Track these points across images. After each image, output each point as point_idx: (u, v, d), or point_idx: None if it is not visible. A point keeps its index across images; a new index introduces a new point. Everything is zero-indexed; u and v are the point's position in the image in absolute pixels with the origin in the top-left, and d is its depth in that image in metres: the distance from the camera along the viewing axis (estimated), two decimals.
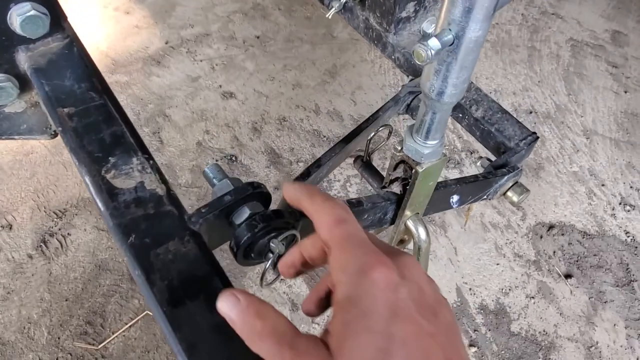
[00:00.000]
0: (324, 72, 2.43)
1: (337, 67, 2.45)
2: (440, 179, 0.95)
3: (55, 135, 0.93)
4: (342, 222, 0.50)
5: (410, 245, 1.04)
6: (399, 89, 2.42)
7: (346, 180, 2.05)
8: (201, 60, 2.46)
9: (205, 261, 0.67)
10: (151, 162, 0.76)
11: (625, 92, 2.41)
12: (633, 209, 2.02)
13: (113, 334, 1.67)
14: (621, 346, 1.72)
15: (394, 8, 1.20)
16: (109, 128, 0.78)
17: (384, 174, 1.08)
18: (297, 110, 2.27)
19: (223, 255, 1.71)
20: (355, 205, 0.87)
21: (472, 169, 2.11)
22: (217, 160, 2.09)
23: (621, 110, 2.34)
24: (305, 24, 2.64)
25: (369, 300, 0.44)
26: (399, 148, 0.87)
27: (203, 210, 0.71)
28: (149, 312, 1.70)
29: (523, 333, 1.73)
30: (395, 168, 0.91)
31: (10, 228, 1.88)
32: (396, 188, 0.92)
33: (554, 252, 1.91)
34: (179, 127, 2.19)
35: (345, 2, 1.27)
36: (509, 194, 1.16)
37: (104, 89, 0.83)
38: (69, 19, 0.88)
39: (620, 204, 2.04)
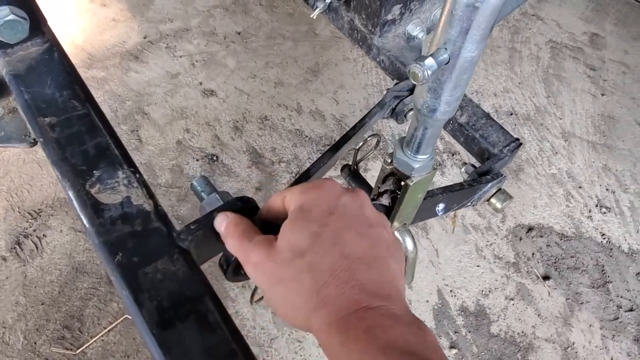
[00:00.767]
0: (306, 70, 2.41)
1: (319, 66, 2.43)
2: None
3: (34, 143, 0.90)
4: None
5: None
6: (381, 88, 2.40)
7: None
8: (181, 56, 2.41)
9: (196, 280, 0.66)
10: (137, 175, 0.74)
11: (603, 94, 2.46)
12: (609, 211, 2.07)
13: (91, 338, 1.63)
14: (596, 346, 1.76)
15: (380, 10, 1.19)
16: (93, 139, 0.76)
17: (370, 181, 1.08)
18: (279, 109, 2.25)
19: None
20: None
21: (453, 170, 2.13)
22: (197, 160, 2.06)
23: (598, 113, 2.38)
24: (288, 21, 2.61)
25: (312, 202, 0.55)
26: (389, 161, 0.86)
27: (192, 227, 0.70)
28: (128, 316, 1.67)
29: (502, 334, 1.76)
30: (384, 180, 0.91)
31: None
32: (385, 200, 0.92)
33: (533, 254, 1.94)
34: (159, 125, 2.15)
35: (330, 3, 1.25)
36: (493, 200, 1.17)
37: (87, 98, 0.80)
38: (44, 15, 0.84)
39: (596, 206, 2.08)
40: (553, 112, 2.37)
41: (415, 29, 1.27)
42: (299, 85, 2.35)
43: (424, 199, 0.97)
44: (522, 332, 1.77)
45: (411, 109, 1.15)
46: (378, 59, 1.30)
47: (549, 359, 1.73)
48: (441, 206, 1.10)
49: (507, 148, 1.16)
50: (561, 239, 1.98)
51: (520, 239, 1.97)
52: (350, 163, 1.10)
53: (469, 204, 1.17)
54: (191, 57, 2.40)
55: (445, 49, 0.64)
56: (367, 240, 0.54)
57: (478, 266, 1.89)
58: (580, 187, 2.13)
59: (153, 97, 2.24)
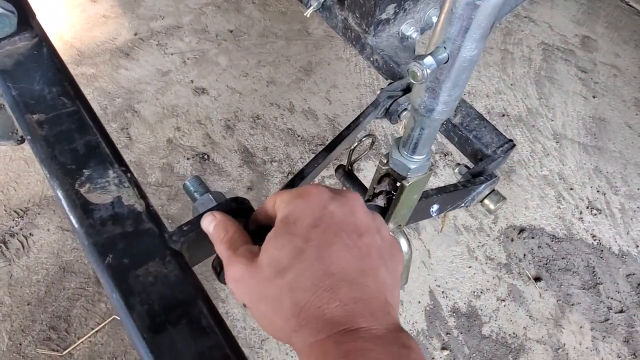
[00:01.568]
0: (298, 69, 2.39)
1: (312, 65, 2.42)
2: None
3: (22, 141, 0.87)
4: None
5: None
6: (374, 88, 2.39)
7: (320, 181, 2.03)
8: (172, 54, 2.38)
9: (188, 283, 0.64)
10: (129, 175, 0.72)
11: (594, 97, 2.47)
12: (599, 213, 2.08)
13: (78, 339, 1.61)
14: (587, 348, 1.77)
15: (374, 9, 1.18)
16: (83, 137, 0.74)
17: (362, 181, 1.07)
18: (271, 108, 2.24)
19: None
20: None
21: (446, 171, 2.13)
22: (188, 159, 2.04)
23: (589, 115, 2.40)
24: (280, 19, 2.59)
25: (297, 214, 0.53)
26: (385, 161, 0.85)
27: (185, 228, 0.68)
28: (116, 317, 1.65)
29: (494, 336, 1.76)
30: (380, 181, 0.90)
31: None
32: (380, 201, 0.91)
33: (524, 255, 1.94)
34: (149, 123, 2.13)
35: (324, 1, 1.24)
36: (486, 201, 1.16)
37: (77, 95, 0.78)
38: (33, 9, 0.82)
39: (587, 207, 2.09)
40: (545, 113, 2.37)
41: (409, 29, 1.27)
42: (292, 84, 2.33)
43: (419, 200, 0.96)
44: (514, 333, 1.77)
45: (405, 109, 1.14)
46: (372, 59, 1.29)
47: None
48: (435, 207, 1.09)
49: (501, 149, 1.15)
50: (552, 241, 1.99)
51: (512, 240, 1.97)
52: (344, 163, 1.09)
53: (463, 205, 1.16)
54: (182, 55, 2.38)
55: (445, 47, 0.62)
56: (355, 253, 0.51)
57: (470, 267, 1.89)
58: (571, 189, 2.14)
59: (143, 94, 2.21)
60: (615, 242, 2.01)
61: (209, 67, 2.35)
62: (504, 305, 1.82)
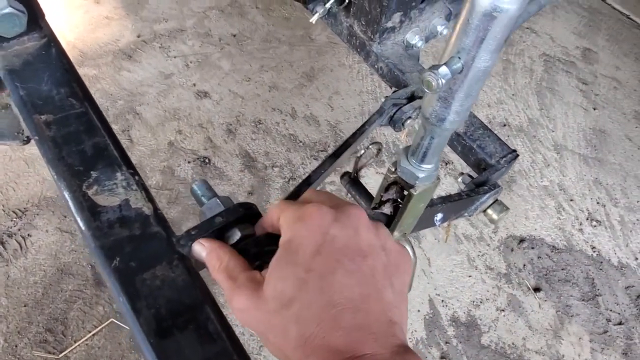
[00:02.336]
0: (301, 74, 2.39)
1: (314, 71, 2.42)
2: None
3: (27, 141, 0.87)
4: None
5: None
6: (377, 95, 2.40)
7: (322, 187, 2.02)
8: (175, 57, 2.38)
9: (195, 288, 0.64)
10: (137, 177, 0.71)
11: (594, 109, 2.48)
12: (599, 225, 2.08)
13: (75, 342, 1.59)
14: (586, 359, 1.77)
15: (380, 17, 1.18)
16: (91, 139, 0.73)
17: (367, 187, 1.06)
18: (274, 113, 2.23)
19: None
20: None
21: (447, 180, 2.13)
22: (189, 162, 2.03)
23: (590, 127, 2.40)
24: (284, 24, 2.60)
25: (299, 240, 0.53)
26: (393, 169, 0.85)
27: (193, 233, 0.68)
28: (114, 320, 1.63)
29: (493, 346, 1.75)
30: (387, 189, 0.90)
31: None
32: (387, 209, 0.91)
33: (524, 265, 1.94)
34: (150, 125, 2.12)
35: (330, 8, 1.24)
36: (489, 211, 1.16)
37: (85, 96, 0.78)
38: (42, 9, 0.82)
39: (587, 219, 2.09)
40: (546, 124, 2.38)
41: (414, 37, 1.27)
42: (294, 89, 2.33)
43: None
44: (513, 343, 1.77)
45: (409, 117, 1.14)
46: (376, 66, 1.29)
47: None
48: (439, 216, 1.09)
49: (504, 159, 1.15)
50: (552, 251, 1.99)
51: (512, 250, 1.97)
52: (350, 170, 1.09)
53: (466, 214, 1.16)
54: (185, 58, 2.38)
55: (459, 57, 0.62)
56: (358, 277, 0.52)
57: (470, 276, 1.89)
58: (571, 200, 2.14)
59: (145, 97, 2.21)
60: (615, 254, 2.01)
61: (212, 70, 2.34)
62: (504, 315, 1.82)
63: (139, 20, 2.50)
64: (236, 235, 0.72)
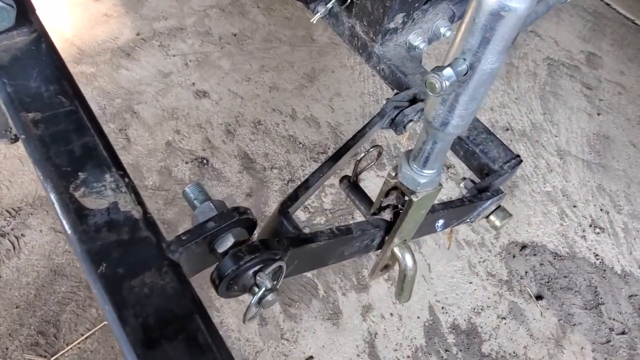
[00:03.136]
0: (302, 75, 2.37)
1: (315, 72, 2.39)
2: None
3: (16, 139, 0.84)
4: None
5: (395, 271, 0.99)
6: (378, 97, 2.36)
7: (320, 190, 1.99)
8: (174, 55, 2.35)
9: (185, 297, 0.61)
10: (126, 179, 0.68)
11: (598, 114, 2.45)
12: (602, 232, 2.05)
13: (67, 345, 1.56)
14: None
15: (383, 18, 1.16)
16: (80, 139, 0.70)
17: (367, 192, 1.03)
18: (273, 114, 2.20)
19: None
20: (344, 233, 0.81)
21: (448, 184, 2.10)
22: (186, 162, 2.00)
23: (594, 132, 2.37)
24: (285, 25, 2.57)
25: None
26: (394, 174, 0.82)
27: (184, 238, 0.65)
28: (107, 323, 1.60)
29: (493, 354, 1.72)
30: (387, 194, 0.87)
31: None
32: (387, 215, 0.88)
33: (526, 272, 1.91)
34: (148, 125, 2.09)
35: (331, 8, 1.21)
36: (492, 218, 1.13)
37: (75, 94, 0.75)
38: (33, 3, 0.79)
39: (590, 226, 2.06)
40: (549, 129, 2.35)
41: (416, 39, 1.24)
42: (294, 90, 2.30)
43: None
44: (514, 352, 1.73)
45: (411, 120, 1.11)
46: (378, 68, 1.26)
47: None
48: (441, 222, 1.06)
49: (508, 165, 1.12)
50: (555, 258, 1.95)
51: (514, 256, 1.94)
52: (349, 174, 1.06)
53: (468, 220, 1.13)
54: (185, 57, 2.35)
55: (464, 59, 0.60)
56: None
57: (471, 283, 1.86)
58: (574, 206, 2.11)
59: (143, 95, 2.18)
60: (618, 261, 1.98)
61: (211, 70, 2.32)
62: (505, 323, 1.79)
63: (139, 18, 2.47)
64: (229, 240, 0.69)
